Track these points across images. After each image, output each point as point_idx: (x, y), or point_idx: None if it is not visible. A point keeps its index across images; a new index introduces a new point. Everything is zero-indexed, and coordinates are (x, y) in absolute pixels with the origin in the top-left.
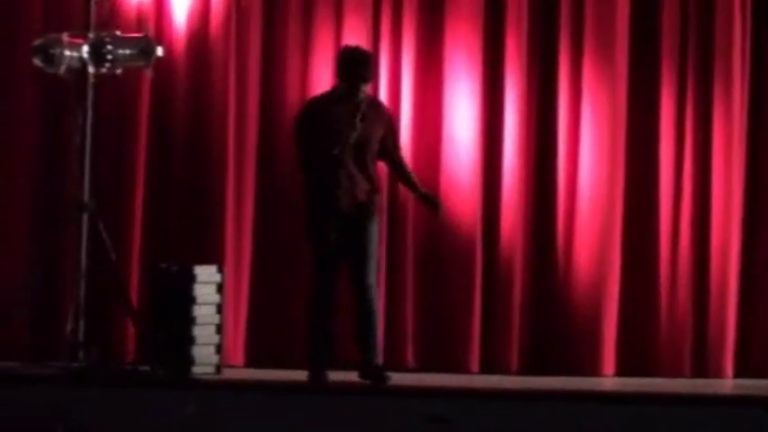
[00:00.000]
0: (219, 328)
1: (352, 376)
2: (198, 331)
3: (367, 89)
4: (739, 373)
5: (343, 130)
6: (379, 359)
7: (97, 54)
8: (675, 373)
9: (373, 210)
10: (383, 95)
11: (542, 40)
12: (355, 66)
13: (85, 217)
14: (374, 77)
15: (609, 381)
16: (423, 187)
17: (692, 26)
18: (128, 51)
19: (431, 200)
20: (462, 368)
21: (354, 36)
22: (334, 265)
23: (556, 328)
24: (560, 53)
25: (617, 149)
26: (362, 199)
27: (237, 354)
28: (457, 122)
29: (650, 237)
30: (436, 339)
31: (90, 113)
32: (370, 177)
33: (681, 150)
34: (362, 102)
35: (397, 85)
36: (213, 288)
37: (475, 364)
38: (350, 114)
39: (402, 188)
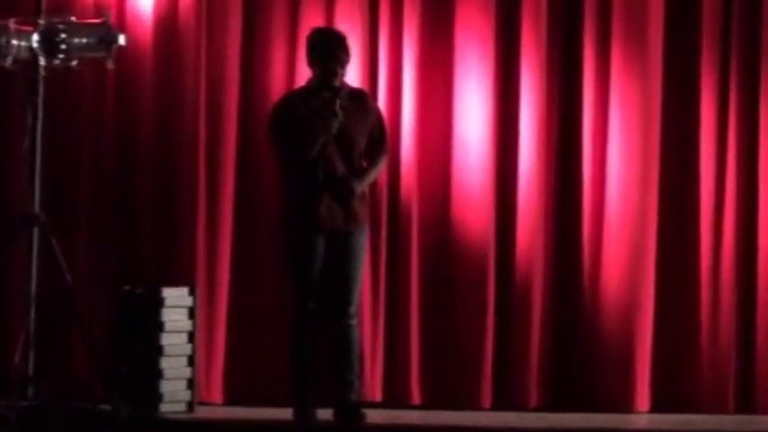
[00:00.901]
0: (192, 360)
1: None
2: (167, 363)
3: (344, 74)
4: None
5: (323, 122)
6: (358, 396)
7: (49, 43)
8: (718, 409)
9: (363, 220)
10: (382, 90)
11: (564, 25)
12: (328, 47)
13: (36, 231)
14: (349, 60)
15: (643, 418)
16: (358, 182)
17: (736, 8)
18: (84, 40)
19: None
20: (473, 404)
21: (348, 23)
22: (317, 288)
23: (581, 358)
24: (584, 40)
25: (650, 151)
26: (351, 207)
27: (214, 389)
28: (466, 120)
29: (689, 253)
30: (444, 372)
31: (41, 112)
32: (355, 177)
33: (723, 153)
34: (342, 88)
35: (397, 78)
36: (184, 313)
37: (487, 399)
38: (329, 103)
39: (404, 196)
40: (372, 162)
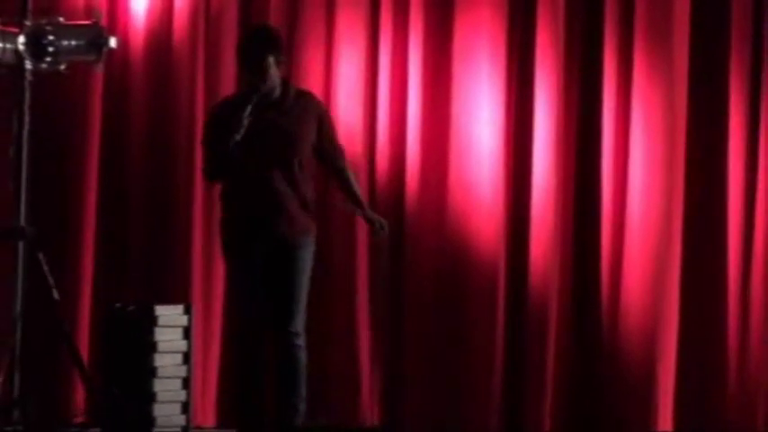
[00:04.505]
0: (187, 382)
1: None
2: (160, 386)
3: (264, 70)
4: None
5: (240, 125)
6: (302, 421)
7: (36, 46)
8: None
9: (306, 231)
10: (384, 99)
11: (582, 28)
12: (244, 45)
13: (22, 246)
14: (265, 56)
15: None
16: (368, 206)
17: None
18: (74, 43)
19: (375, 222)
20: (482, 430)
21: (350, 29)
22: (258, 306)
23: (599, 380)
24: (605, 43)
25: (675, 161)
26: (292, 216)
27: (207, 413)
28: (476, 129)
29: (716, 268)
30: (450, 396)
31: (27, 119)
32: (299, 189)
33: (754, 162)
34: (261, 85)
35: (402, 86)
36: (179, 333)
37: (498, 425)
38: (248, 103)
39: (408, 210)
40: (346, 180)
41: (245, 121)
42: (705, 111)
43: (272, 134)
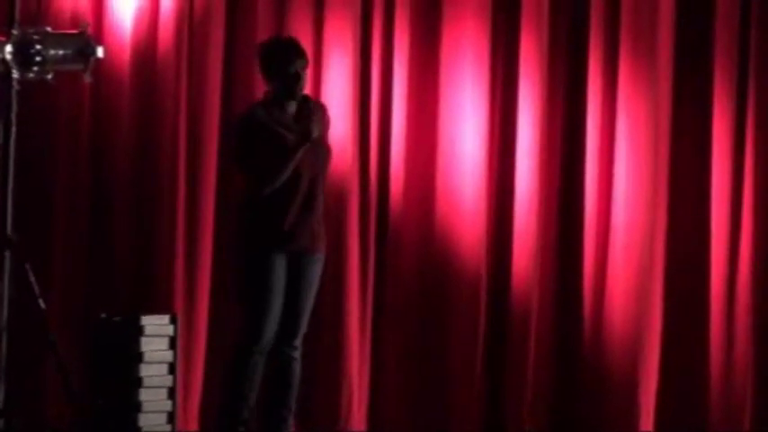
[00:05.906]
0: (172, 392)
1: None
2: (146, 396)
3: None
4: None
5: (296, 134)
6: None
7: (23, 55)
8: None
9: (323, 247)
10: (373, 103)
11: (567, 36)
12: (287, 55)
13: (8, 255)
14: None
15: None
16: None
17: (755, 18)
18: (61, 52)
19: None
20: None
21: (338, 37)
22: (274, 319)
23: (581, 389)
24: (590, 52)
25: (659, 171)
26: (314, 229)
27: (191, 421)
28: (460, 137)
29: (699, 276)
30: (433, 398)
31: (14, 128)
32: (321, 198)
33: (739, 173)
34: (309, 98)
35: (388, 94)
36: (165, 342)
37: (478, 426)
38: (305, 113)
39: (393, 217)
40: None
41: (316, 127)
42: (689, 121)
43: (312, 144)
